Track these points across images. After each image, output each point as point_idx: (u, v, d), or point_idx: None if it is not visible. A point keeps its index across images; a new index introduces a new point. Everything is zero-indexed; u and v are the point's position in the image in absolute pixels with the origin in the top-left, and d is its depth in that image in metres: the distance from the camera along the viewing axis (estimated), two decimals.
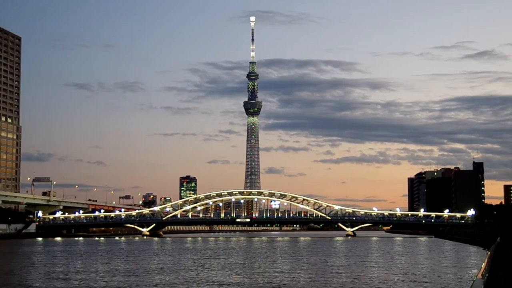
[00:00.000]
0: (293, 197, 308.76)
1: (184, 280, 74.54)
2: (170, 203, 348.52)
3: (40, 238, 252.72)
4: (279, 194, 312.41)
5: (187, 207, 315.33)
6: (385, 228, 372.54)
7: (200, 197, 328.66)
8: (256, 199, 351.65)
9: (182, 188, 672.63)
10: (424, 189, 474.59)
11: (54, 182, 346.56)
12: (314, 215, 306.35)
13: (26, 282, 73.63)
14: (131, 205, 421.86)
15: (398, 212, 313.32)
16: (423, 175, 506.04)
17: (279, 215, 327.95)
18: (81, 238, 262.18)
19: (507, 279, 40.31)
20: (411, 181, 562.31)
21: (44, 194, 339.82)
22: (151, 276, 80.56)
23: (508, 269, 50.16)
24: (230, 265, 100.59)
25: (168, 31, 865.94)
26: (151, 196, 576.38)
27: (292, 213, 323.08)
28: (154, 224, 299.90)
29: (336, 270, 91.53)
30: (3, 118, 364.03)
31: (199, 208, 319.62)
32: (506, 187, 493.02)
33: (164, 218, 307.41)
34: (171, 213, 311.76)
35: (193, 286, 68.56)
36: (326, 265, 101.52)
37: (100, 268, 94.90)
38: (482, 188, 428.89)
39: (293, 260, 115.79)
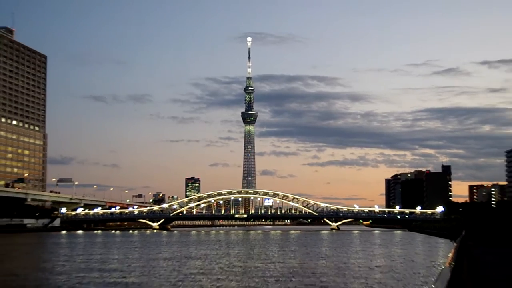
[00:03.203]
0: (284, 195, 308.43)
1: (189, 266, 74.65)
2: (177, 201, 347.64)
3: (63, 231, 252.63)
4: (272, 193, 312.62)
5: (192, 205, 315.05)
6: (365, 222, 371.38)
7: (203, 195, 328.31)
8: (252, 198, 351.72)
9: (187, 187, 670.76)
10: (399, 188, 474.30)
11: (76, 183, 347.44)
12: (303, 212, 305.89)
13: (55, 267, 74.39)
14: (142, 202, 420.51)
15: (377, 208, 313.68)
16: (398, 176, 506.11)
17: (272, 211, 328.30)
18: (99, 231, 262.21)
19: (471, 267, 41.09)
20: (387, 181, 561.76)
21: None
22: (161, 262, 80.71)
23: (471, 258, 50.96)
24: (230, 253, 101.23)
25: (173, 49, 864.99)
26: (160, 195, 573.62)
27: (283, 209, 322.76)
28: (163, 219, 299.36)
29: (323, 258, 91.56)
30: (31, 127, 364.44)
31: (202, 205, 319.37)
32: (470, 187, 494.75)
33: (171, 214, 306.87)
34: (177, 209, 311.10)
35: (197, 270, 68.47)
36: (314, 254, 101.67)
37: (117, 256, 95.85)
38: (450, 188, 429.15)
39: (285, 250, 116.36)
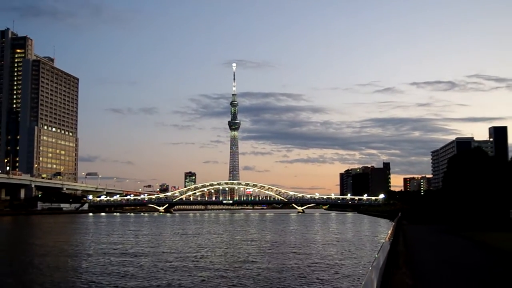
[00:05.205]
0: (261, 186, 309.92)
1: (189, 239, 75.79)
2: (178, 190, 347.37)
3: (91, 214, 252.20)
4: (252, 184, 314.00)
5: (190, 193, 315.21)
6: (324, 207, 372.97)
7: (198, 186, 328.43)
8: (236, 187, 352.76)
9: (186, 180, 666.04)
10: (350, 180, 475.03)
11: (100, 176, 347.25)
12: (276, 198, 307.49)
13: (85, 236, 75.95)
14: (151, 191, 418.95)
15: (333, 196, 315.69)
16: (350, 171, 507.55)
17: (252, 198, 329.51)
18: (118, 214, 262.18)
19: (404, 240, 44.14)
20: (341, 175, 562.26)
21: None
22: (167, 236, 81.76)
23: (404, 233, 54.05)
24: (220, 230, 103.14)
25: (175, 73, 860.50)
26: (165, 185, 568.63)
27: (261, 197, 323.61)
28: (167, 204, 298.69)
29: (291, 233, 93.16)
30: (66, 133, 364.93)
31: (197, 193, 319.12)
32: (405, 179, 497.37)
33: (174, 200, 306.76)
34: (178, 197, 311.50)
35: (196, 241, 69.95)
36: (284, 230, 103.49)
37: (132, 231, 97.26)
38: (389, 180, 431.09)
39: (262, 227, 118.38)
